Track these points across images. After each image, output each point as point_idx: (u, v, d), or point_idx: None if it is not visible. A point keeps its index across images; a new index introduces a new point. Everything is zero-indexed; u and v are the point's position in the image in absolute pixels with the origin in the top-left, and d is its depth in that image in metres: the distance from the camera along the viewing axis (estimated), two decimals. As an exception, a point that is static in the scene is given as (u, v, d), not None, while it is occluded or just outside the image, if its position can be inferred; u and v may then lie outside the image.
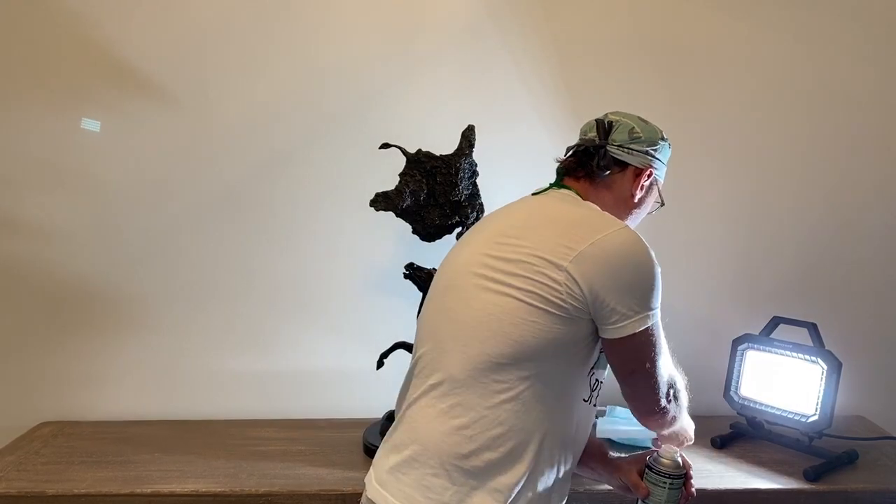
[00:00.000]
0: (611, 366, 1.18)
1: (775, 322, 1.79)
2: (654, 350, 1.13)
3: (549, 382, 1.10)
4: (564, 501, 1.22)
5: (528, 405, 1.09)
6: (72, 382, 1.89)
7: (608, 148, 1.24)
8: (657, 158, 1.27)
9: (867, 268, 1.98)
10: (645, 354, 1.13)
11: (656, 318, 1.12)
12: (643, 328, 1.09)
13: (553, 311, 1.07)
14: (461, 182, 1.60)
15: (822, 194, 1.95)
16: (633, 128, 1.25)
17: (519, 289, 1.08)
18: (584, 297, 1.07)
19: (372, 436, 1.69)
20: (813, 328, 1.72)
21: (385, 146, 1.57)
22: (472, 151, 1.62)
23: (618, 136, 1.25)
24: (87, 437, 1.77)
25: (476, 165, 1.64)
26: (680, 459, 1.22)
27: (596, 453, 1.32)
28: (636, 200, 1.26)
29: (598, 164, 1.23)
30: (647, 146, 1.25)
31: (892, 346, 2.00)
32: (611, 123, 1.26)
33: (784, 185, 1.95)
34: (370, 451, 1.65)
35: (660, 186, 1.30)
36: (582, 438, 1.22)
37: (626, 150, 1.24)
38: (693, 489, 1.23)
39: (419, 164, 1.59)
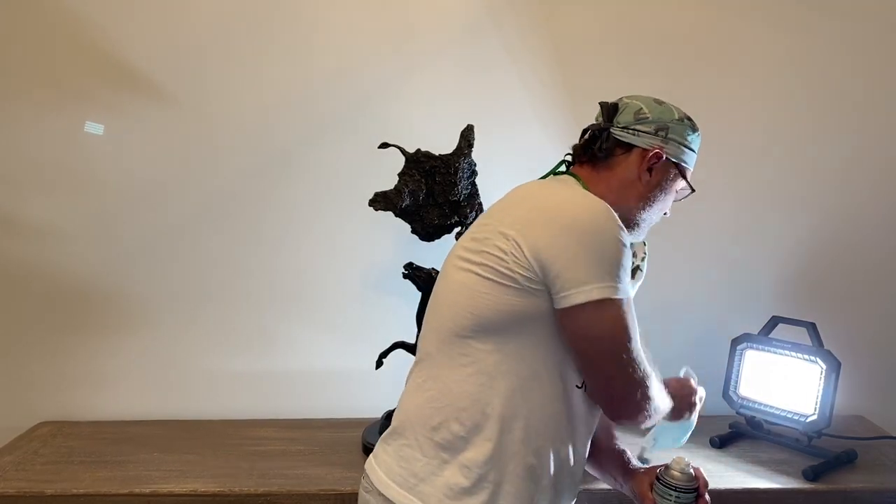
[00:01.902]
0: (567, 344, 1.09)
1: (774, 322, 1.79)
2: (612, 328, 1.04)
3: (520, 359, 1.08)
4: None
5: (493, 379, 1.08)
6: (71, 382, 1.89)
7: (612, 130, 1.19)
8: (672, 140, 1.19)
9: (866, 267, 1.98)
10: (598, 331, 1.04)
11: (616, 294, 1.03)
12: (591, 300, 1.02)
13: (504, 282, 1.06)
14: (460, 182, 1.60)
15: (821, 193, 1.95)
16: (641, 108, 1.19)
17: (477, 263, 1.09)
18: (529, 265, 1.04)
19: (371, 435, 1.69)
20: (812, 328, 1.73)
21: (384, 146, 1.57)
22: (471, 151, 1.62)
23: (623, 117, 1.19)
24: (85, 436, 1.77)
25: (475, 165, 1.64)
26: (692, 472, 1.16)
27: (616, 460, 1.28)
28: (645, 183, 1.18)
29: (600, 147, 1.19)
30: (656, 127, 1.18)
31: (891, 346, 2.00)
32: (616, 105, 1.21)
33: (783, 185, 1.95)
34: (369, 451, 1.64)
35: (685, 171, 1.22)
36: (581, 431, 1.16)
37: (630, 131, 1.18)
38: None
39: (418, 164, 1.59)
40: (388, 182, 1.60)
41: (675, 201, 1.26)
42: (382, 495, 1.13)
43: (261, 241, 1.89)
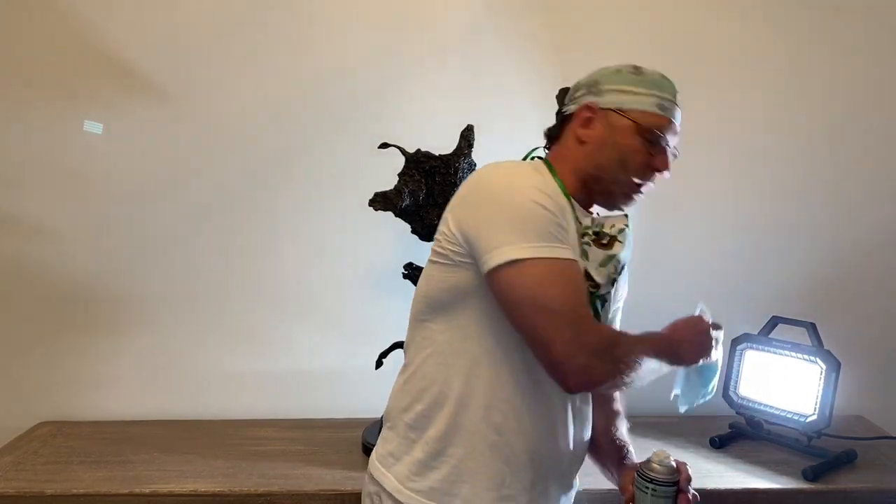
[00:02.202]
0: None
1: (774, 322, 1.79)
2: (534, 289, 1.01)
3: (470, 336, 1.10)
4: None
5: (447, 358, 1.11)
6: (71, 382, 1.89)
7: (562, 111, 1.22)
8: (608, 90, 1.14)
9: (866, 267, 1.98)
10: (519, 294, 1.01)
11: (535, 254, 1.01)
12: (505, 261, 1.01)
13: (442, 260, 1.11)
14: (460, 182, 1.60)
15: (821, 193, 1.95)
16: (581, 79, 1.19)
17: (431, 251, 1.15)
18: (456, 239, 1.07)
19: (371, 435, 1.69)
20: (812, 328, 1.72)
21: (384, 146, 1.57)
22: (471, 151, 1.62)
23: (570, 96, 1.20)
24: (85, 436, 1.77)
25: (475, 165, 1.64)
26: (672, 465, 1.11)
27: (615, 453, 1.26)
28: (586, 140, 1.14)
29: (552, 129, 1.21)
30: (587, 85, 1.16)
31: (891, 346, 2.00)
32: (567, 89, 1.22)
33: (783, 185, 1.95)
34: (369, 451, 1.65)
35: (629, 114, 1.12)
36: (557, 411, 1.14)
37: (571, 100, 1.19)
38: (685, 502, 1.09)
39: (418, 164, 1.59)
40: (388, 182, 1.60)
41: (665, 155, 1.14)
42: (372, 476, 1.21)
43: (261, 241, 1.89)
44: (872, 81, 1.92)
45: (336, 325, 1.93)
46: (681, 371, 1.21)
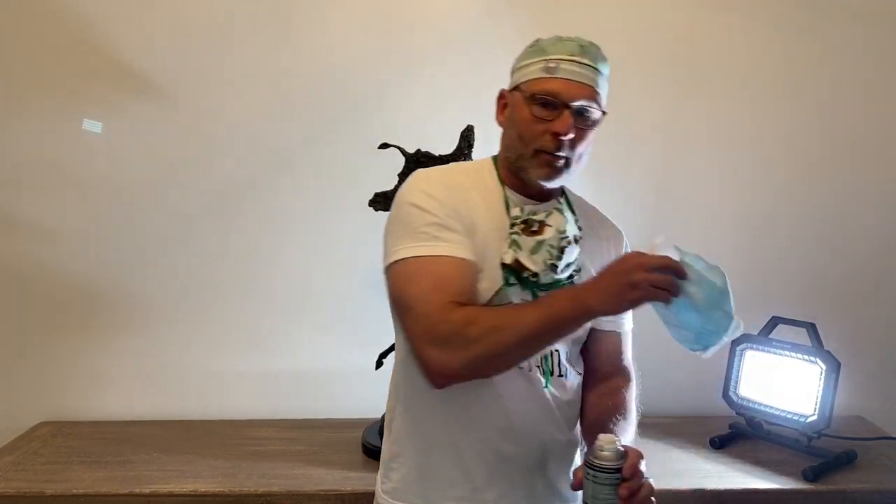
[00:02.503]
0: None
1: (774, 322, 1.79)
2: (397, 288, 1.08)
3: None
4: None
5: (405, 361, 1.15)
6: (71, 382, 1.89)
7: None
8: (514, 74, 1.16)
9: (866, 268, 1.98)
10: (392, 294, 1.10)
11: (406, 254, 1.06)
12: (387, 265, 1.10)
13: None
14: (460, 182, 1.60)
15: (821, 193, 1.95)
16: None
17: None
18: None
19: (371, 436, 1.69)
20: (812, 328, 1.72)
21: (384, 146, 1.57)
22: (471, 151, 1.62)
23: None
24: (85, 436, 1.77)
25: (475, 165, 1.64)
26: (619, 450, 0.99)
27: None
28: (502, 127, 1.17)
29: None
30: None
31: (890, 346, 2.00)
32: None
33: (783, 185, 1.95)
34: (369, 451, 1.65)
35: (524, 87, 1.11)
36: (508, 408, 1.11)
37: None
38: (626, 492, 0.96)
39: (418, 164, 1.59)
40: (388, 182, 1.60)
41: (565, 117, 1.08)
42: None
43: (261, 241, 1.89)
44: (872, 81, 1.92)
45: (336, 325, 1.93)
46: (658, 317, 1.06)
